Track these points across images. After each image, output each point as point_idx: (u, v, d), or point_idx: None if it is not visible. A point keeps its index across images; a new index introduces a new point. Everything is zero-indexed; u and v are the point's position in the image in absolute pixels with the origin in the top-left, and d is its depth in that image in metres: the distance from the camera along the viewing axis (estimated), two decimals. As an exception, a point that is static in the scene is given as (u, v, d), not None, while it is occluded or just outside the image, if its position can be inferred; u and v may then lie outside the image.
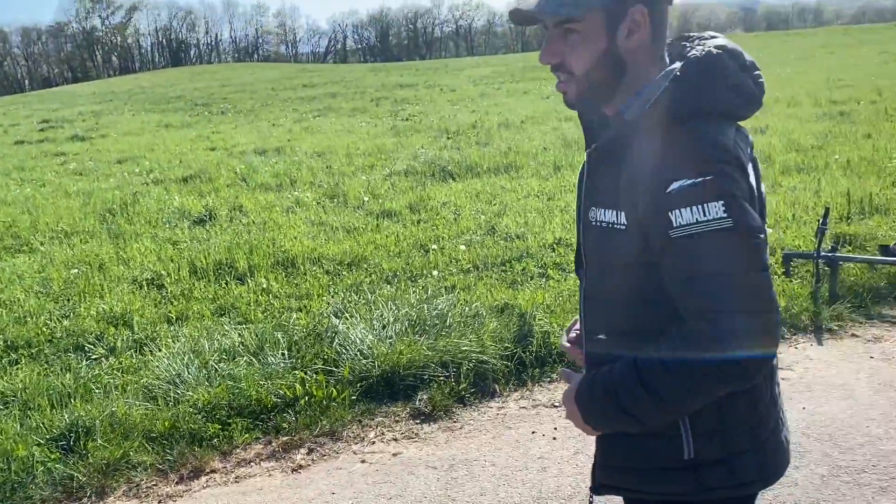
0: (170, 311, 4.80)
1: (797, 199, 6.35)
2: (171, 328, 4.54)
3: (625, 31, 1.31)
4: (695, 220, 1.18)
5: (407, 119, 16.13)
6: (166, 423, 3.38)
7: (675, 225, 1.19)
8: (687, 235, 1.19)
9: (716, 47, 1.33)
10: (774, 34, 54.60)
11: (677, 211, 1.19)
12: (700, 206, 1.18)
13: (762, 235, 1.22)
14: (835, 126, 10.22)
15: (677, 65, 1.31)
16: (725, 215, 1.17)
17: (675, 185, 1.20)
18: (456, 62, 46.29)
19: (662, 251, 1.23)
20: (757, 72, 1.36)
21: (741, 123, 1.37)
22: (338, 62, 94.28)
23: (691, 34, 1.41)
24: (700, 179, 1.19)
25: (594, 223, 1.36)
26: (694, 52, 1.32)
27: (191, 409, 3.47)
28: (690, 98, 1.27)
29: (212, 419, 3.45)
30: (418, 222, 6.72)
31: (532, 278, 5.03)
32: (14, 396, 3.71)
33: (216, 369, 3.80)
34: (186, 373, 3.75)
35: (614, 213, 1.31)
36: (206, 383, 3.68)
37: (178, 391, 3.62)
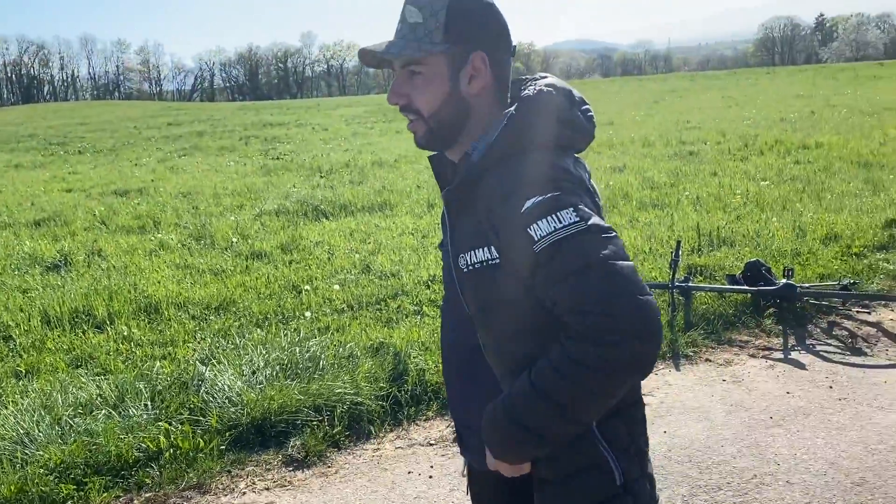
0: (18, 365, 4.45)
1: (653, 234, 6.74)
2: (20, 383, 4.20)
3: (467, 77, 1.39)
4: (552, 229, 1.24)
5: (278, 158, 15.90)
6: (12, 488, 3.10)
7: (536, 239, 1.25)
8: (548, 245, 1.24)
9: (546, 86, 1.42)
10: (629, 79, 58.27)
11: (534, 225, 1.25)
12: (554, 216, 1.25)
13: (614, 233, 1.28)
14: (685, 165, 10.98)
15: (513, 106, 1.39)
16: (578, 219, 1.25)
17: (528, 204, 1.26)
18: (328, 101, 46.29)
19: (532, 270, 1.27)
20: (586, 106, 1.47)
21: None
22: (205, 100, 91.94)
23: (525, 77, 1.50)
24: (549, 195, 1.27)
25: (468, 269, 1.38)
26: (526, 91, 1.41)
27: (41, 470, 3.21)
28: (527, 133, 1.35)
29: (65, 479, 3.20)
30: (290, 263, 6.60)
31: (407, 316, 5.04)
32: None
33: (71, 425, 3.54)
34: (36, 430, 3.47)
35: (484, 249, 1.35)
36: (60, 440, 3.42)
37: (27, 451, 3.34)
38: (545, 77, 1.46)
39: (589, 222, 1.25)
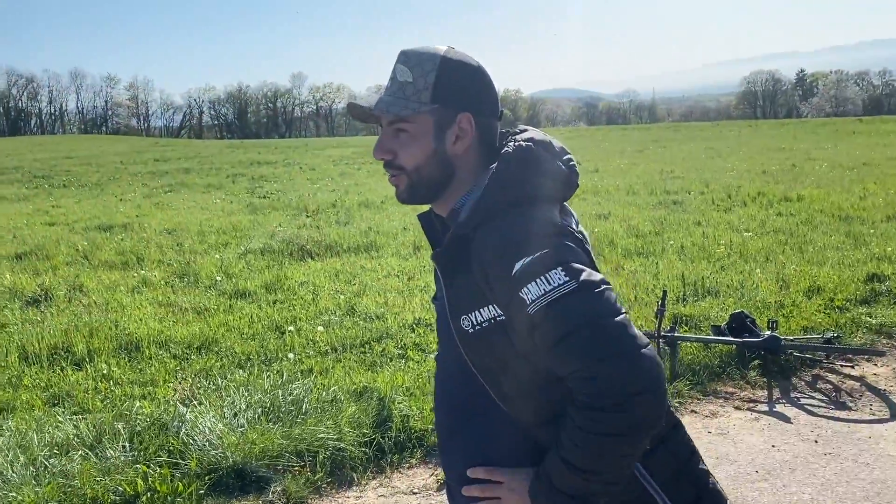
0: (-7, 402, 4.35)
1: (638, 282, 6.77)
2: (-6, 421, 4.11)
3: (452, 137, 1.42)
4: (542, 292, 1.24)
5: (265, 196, 15.92)
6: (-18, 531, 3.01)
7: (528, 302, 1.25)
8: (540, 308, 1.24)
9: (524, 140, 1.43)
10: (614, 128, 59.22)
11: (525, 288, 1.26)
12: (543, 278, 1.25)
13: (607, 286, 1.28)
14: (669, 214, 11.09)
15: (495, 163, 1.41)
16: (567, 278, 1.25)
17: (517, 266, 1.27)
18: (317, 142, 46.57)
19: (529, 333, 1.28)
20: (568, 156, 1.48)
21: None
22: (193, 137, 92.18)
23: (506, 131, 1.52)
24: (538, 254, 1.27)
25: (472, 330, 1.37)
26: (507, 148, 1.42)
27: (13, 513, 3.12)
28: (510, 189, 1.36)
29: (38, 523, 3.11)
30: (274, 302, 6.55)
31: (392, 359, 5.00)
32: None
33: (46, 465, 3.45)
34: (10, 471, 3.38)
35: (487, 308, 1.34)
36: (34, 482, 3.33)
37: (1, 492, 3.24)
38: (525, 131, 1.48)
39: (580, 280, 1.25)
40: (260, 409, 3.95)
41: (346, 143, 42.15)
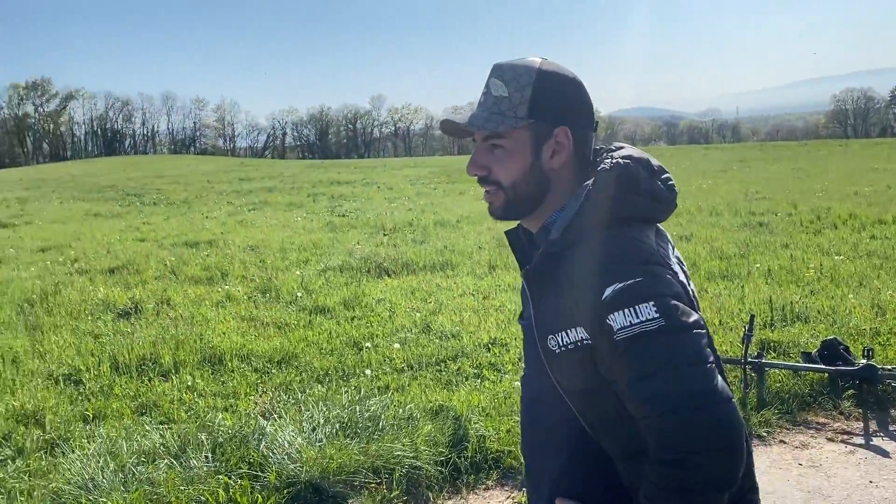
0: (86, 409, 4.54)
1: (722, 306, 6.55)
2: (88, 427, 4.29)
3: (549, 151, 1.38)
4: (628, 323, 1.20)
5: (343, 215, 16.20)
6: (74, 534, 3.13)
7: (614, 330, 1.21)
8: (623, 340, 1.20)
9: (622, 157, 1.38)
10: (695, 147, 57.81)
11: (612, 315, 1.21)
12: (632, 309, 1.20)
13: (698, 330, 1.22)
14: (754, 236, 10.72)
15: (591, 180, 1.37)
16: (657, 315, 1.19)
17: (608, 291, 1.22)
18: (394, 161, 47.27)
19: (611, 361, 1.23)
20: (666, 175, 1.43)
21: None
22: (276, 158, 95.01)
23: (601, 147, 1.48)
24: (631, 282, 1.22)
25: (559, 350, 1.33)
26: (603, 165, 1.37)
27: (102, 518, 3.24)
28: (606, 208, 1.32)
29: (125, 529, 3.22)
30: (352, 319, 6.64)
31: (467, 378, 4.98)
32: None
33: (133, 473, 3.57)
34: (101, 477, 3.51)
35: (576, 329, 1.30)
36: (122, 488, 3.45)
37: (91, 497, 3.37)
38: (622, 147, 1.44)
39: (669, 319, 1.20)
40: (338, 425, 3.99)
41: (423, 162, 42.61)
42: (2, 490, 3.50)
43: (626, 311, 1.20)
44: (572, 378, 1.33)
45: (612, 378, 1.26)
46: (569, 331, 1.31)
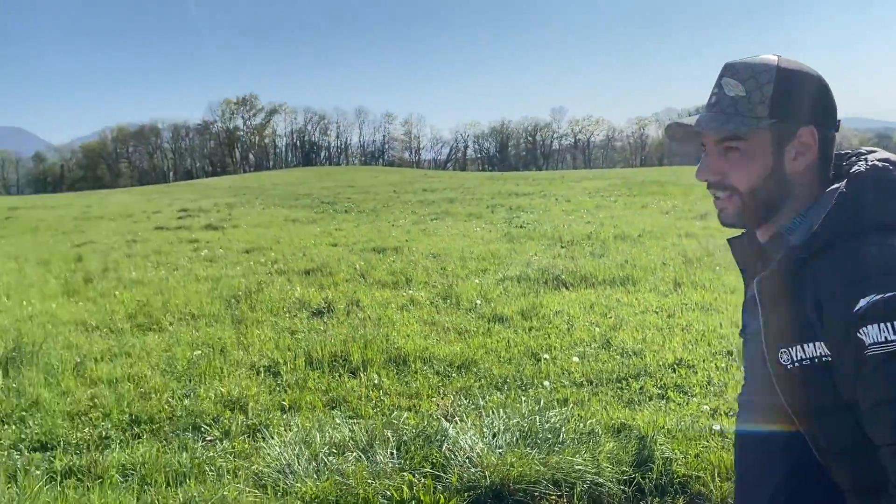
0: (283, 400, 4.88)
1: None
2: (284, 416, 4.60)
3: (792, 153, 1.28)
4: (884, 339, 1.09)
5: (521, 226, 16.27)
6: (272, 514, 3.36)
7: (865, 344, 1.10)
8: (875, 356, 1.09)
9: (880, 161, 1.27)
10: (910, 162, 52.22)
11: (865, 329, 1.10)
12: (890, 324, 1.09)
13: None
14: None
15: (841, 183, 1.25)
16: None
17: (862, 303, 1.11)
18: (573, 174, 46.82)
19: (856, 380, 1.13)
20: None
21: None
22: (457, 169, 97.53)
23: (846, 151, 1.36)
24: (890, 294, 1.10)
25: (791, 365, 1.23)
26: (857, 167, 1.26)
27: (298, 502, 3.45)
28: (862, 214, 1.21)
29: (317, 514, 3.41)
30: (530, 329, 6.63)
31: (651, 399, 4.80)
32: (133, 470, 3.82)
33: (325, 462, 3.78)
34: (297, 463, 3.75)
35: (813, 345, 1.20)
36: (315, 476, 3.66)
37: (288, 481, 3.61)
38: (874, 151, 1.31)
39: None
40: (518, 433, 3.99)
41: (602, 174, 41.87)
42: (212, 467, 3.84)
43: (883, 325, 1.09)
44: (804, 398, 1.23)
45: (853, 398, 1.15)
46: (805, 346, 1.21)
